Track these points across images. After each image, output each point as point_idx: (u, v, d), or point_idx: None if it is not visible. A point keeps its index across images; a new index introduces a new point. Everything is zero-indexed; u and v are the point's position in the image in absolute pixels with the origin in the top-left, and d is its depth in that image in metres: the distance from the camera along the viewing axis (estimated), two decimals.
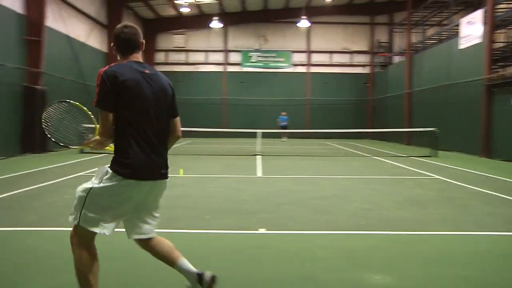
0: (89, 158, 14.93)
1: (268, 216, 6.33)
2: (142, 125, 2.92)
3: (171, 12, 30.45)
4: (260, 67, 33.53)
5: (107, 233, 2.91)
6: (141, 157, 2.90)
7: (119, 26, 3.11)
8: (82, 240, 2.89)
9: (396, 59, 31.06)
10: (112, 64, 2.96)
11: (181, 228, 5.61)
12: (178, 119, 3.24)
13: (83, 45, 21.44)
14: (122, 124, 2.89)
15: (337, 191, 8.70)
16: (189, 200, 7.57)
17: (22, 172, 10.90)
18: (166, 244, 3.20)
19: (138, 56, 3.12)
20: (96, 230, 2.87)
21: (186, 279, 3.15)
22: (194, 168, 12.44)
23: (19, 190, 8.20)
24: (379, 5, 32.03)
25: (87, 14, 22.15)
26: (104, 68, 2.90)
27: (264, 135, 19.57)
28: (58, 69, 18.56)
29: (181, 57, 33.61)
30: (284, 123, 28.43)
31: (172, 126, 3.18)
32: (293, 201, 7.53)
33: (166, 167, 3.12)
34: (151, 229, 3.14)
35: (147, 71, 3.05)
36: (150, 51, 32.89)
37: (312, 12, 31.19)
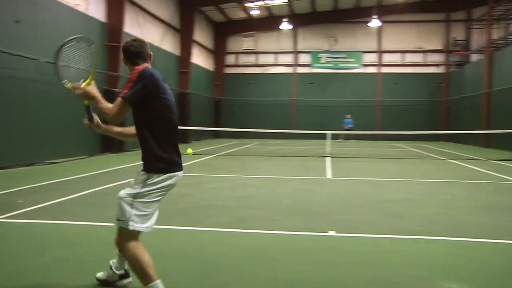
0: None
1: (337, 218, 6.26)
2: (169, 124, 3.19)
3: (241, 15, 30.92)
4: (329, 68, 33.20)
5: (151, 229, 3.17)
6: (172, 152, 3.20)
7: (128, 40, 3.36)
8: (131, 240, 3.10)
9: (474, 57, 29.55)
10: (146, 65, 3.18)
11: (250, 228, 5.68)
12: None
13: (157, 49, 22.31)
14: (153, 123, 3.12)
15: (409, 194, 8.43)
16: (258, 200, 7.65)
17: (102, 171, 11.54)
18: None
19: (147, 65, 3.28)
20: (144, 228, 3.09)
21: (116, 261, 3.56)
22: (263, 169, 12.56)
23: (100, 187, 8.70)
24: (455, 1, 30.59)
25: (161, 19, 23.03)
26: (141, 67, 3.12)
27: (334, 137, 19.36)
28: None
29: (251, 59, 34.04)
30: (349, 126, 27.87)
31: None
32: (363, 204, 7.40)
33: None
34: None
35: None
36: (220, 53, 33.62)
37: (384, 11, 30.39)
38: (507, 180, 10.62)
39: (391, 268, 4.18)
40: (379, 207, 7.18)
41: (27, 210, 6.57)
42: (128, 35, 18.74)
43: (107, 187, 8.81)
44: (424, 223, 6.06)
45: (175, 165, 3.20)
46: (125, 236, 3.10)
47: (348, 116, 28.69)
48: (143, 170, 3.18)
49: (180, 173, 3.25)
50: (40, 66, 13.22)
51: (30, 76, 12.89)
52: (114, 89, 17.14)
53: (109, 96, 17.00)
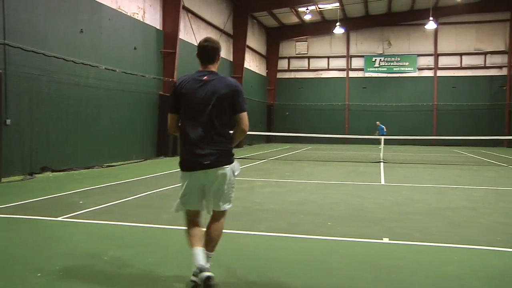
0: None
1: (392, 226, 6.14)
2: (185, 123, 3.60)
3: (293, 19, 30.95)
4: (383, 72, 32.58)
5: None
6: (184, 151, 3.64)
7: (202, 39, 3.70)
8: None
9: None
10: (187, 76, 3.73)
11: (303, 233, 5.67)
12: (241, 114, 3.62)
13: None
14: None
15: (468, 202, 8.13)
16: (311, 206, 7.63)
17: (158, 174, 11.87)
18: (210, 230, 3.75)
19: (210, 66, 3.68)
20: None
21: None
22: (316, 174, 12.49)
23: (156, 190, 8.97)
24: None
25: (214, 25, 23.44)
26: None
27: (387, 142, 18.95)
28: None
29: (303, 63, 33.97)
30: (382, 133, 26.58)
31: (237, 121, 3.63)
32: (418, 211, 7.21)
33: (210, 159, 3.53)
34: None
35: (205, 79, 3.59)
36: (273, 58, 33.78)
37: (440, 12, 29.52)
38: None
39: (446, 279, 4.04)
40: (435, 214, 6.97)
41: (88, 211, 6.88)
42: (183, 41, 19.21)
43: (163, 190, 9.06)
44: (483, 232, 5.83)
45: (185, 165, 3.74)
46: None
47: (378, 122, 27.49)
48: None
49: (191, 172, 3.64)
50: (100, 73, 13.84)
51: (91, 83, 13.51)
52: (169, 94, 17.59)
53: (165, 101, 17.50)
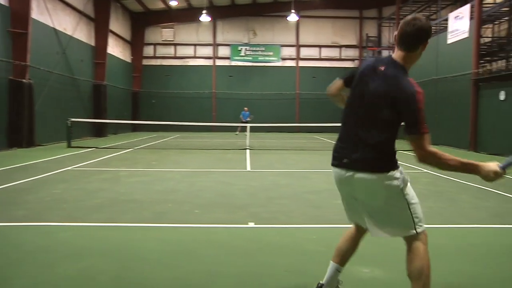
0: (75, 153, 14.85)
1: (258, 210, 6.34)
2: (346, 118, 3.09)
3: (159, 5, 30.24)
4: (249, 61, 33.46)
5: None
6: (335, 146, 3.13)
7: (409, 16, 2.72)
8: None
9: (385, 53, 31.19)
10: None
11: (171, 222, 5.61)
12: (415, 137, 2.56)
13: (70, 38, 21.20)
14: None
15: (328, 185, 8.72)
16: (178, 194, 7.55)
17: (10, 167, 10.79)
18: (407, 265, 2.91)
19: (401, 53, 2.71)
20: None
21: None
22: (183, 162, 12.42)
23: (8, 185, 8.13)
24: None
25: (74, 7, 21.87)
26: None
27: (253, 129, 19.53)
28: (45, 62, 18.37)
29: (170, 51, 33.42)
30: (246, 119, 27.29)
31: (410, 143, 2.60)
32: (283, 195, 7.55)
33: (353, 159, 2.87)
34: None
35: (380, 68, 2.73)
36: (138, 44, 32.68)
37: (301, 6, 31.18)
38: (414, 168, 11.29)
39: (306, 256, 4.32)
40: (299, 198, 7.36)
41: None
42: (37, 22, 17.64)
43: (17, 184, 8.24)
44: (339, 212, 6.26)
45: (332, 159, 3.11)
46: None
47: (246, 108, 28.51)
48: None
49: (334, 168, 3.09)
50: None
51: None
52: (23, 80, 16.06)
53: (17, 87, 15.93)
